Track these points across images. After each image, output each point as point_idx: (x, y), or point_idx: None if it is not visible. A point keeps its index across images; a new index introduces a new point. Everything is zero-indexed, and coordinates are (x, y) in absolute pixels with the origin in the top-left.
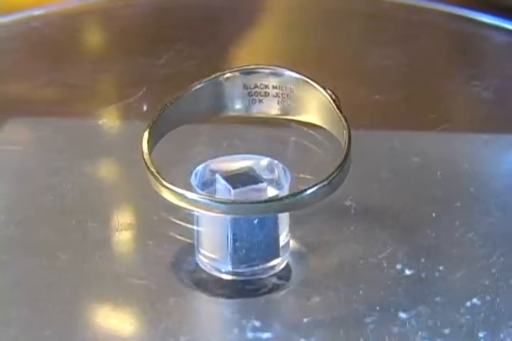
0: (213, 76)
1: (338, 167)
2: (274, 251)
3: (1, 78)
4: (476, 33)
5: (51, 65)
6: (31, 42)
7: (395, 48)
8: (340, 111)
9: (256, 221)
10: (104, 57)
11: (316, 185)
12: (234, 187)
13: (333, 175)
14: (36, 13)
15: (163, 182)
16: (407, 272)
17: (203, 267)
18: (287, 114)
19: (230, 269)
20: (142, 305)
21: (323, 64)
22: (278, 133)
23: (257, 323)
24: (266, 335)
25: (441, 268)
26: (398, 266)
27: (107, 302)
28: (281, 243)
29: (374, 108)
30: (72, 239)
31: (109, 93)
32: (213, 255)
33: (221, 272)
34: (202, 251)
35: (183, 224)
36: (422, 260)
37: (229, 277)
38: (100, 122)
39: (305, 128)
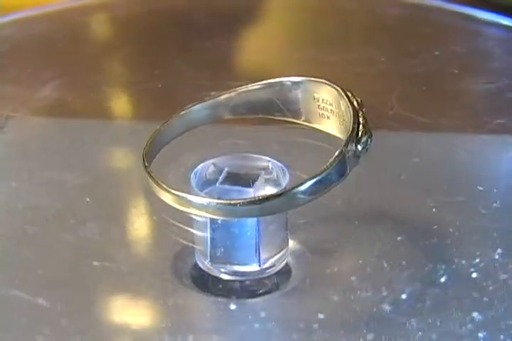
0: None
1: (327, 166)
2: (252, 256)
3: (2, 78)
4: (476, 30)
5: (52, 65)
6: (32, 41)
7: (394, 47)
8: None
9: (235, 223)
10: (106, 56)
11: (302, 184)
12: (221, 184)
13: (319, 175)
14: (36, 12)
15: (158, 181)
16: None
17: (203, 267)
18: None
19: (209, 266)
20: (142, 304)
21: (323, 63)
22: (280, 132)
23: (257, 323)
24: (265, 335)
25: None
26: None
27: (106, 303)
28: (278, 247)
29: (373, 108)
30: (72, 238)
31: (113, 93)
32: (201, 251)
33: (220, 272)
34: (197, 249)
35: (183, 224)
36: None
37: (228, 277)
38: (101, 122)
39: (309, 129)
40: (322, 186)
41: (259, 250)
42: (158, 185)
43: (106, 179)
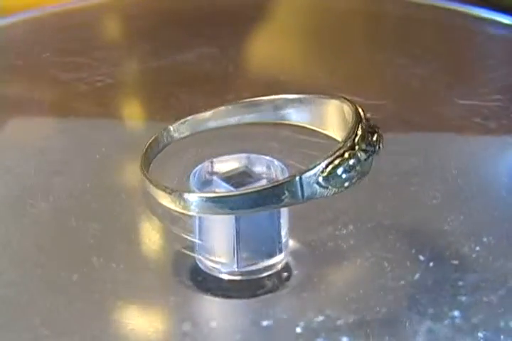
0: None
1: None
2: (231, 254)
3: (2, 78)
4: (474, 29)
5: (52, 65)
6: (32, 42)
7: (396, 48)
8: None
9: (214, 219)
10: (107, 58)
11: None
12: (217, 183)
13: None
14: (38, 14)
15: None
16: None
17: (203, 267)
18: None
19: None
20: (141, 304)
21: (324, 65)
22: (278, 132)
23: (257, 323)
24: (266, 335)
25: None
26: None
27: (106, 303)
28: (267, 252)
29: (373, 109)
30: (72, 239)
31: (113, 93)
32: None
33: (221, 272)
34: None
35: (182, 224)
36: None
37: (229, 277)
38: (102, 122)
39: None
40: (261, 202)
41: (237, 250)
42: (146, 178)
43: (106, 179)
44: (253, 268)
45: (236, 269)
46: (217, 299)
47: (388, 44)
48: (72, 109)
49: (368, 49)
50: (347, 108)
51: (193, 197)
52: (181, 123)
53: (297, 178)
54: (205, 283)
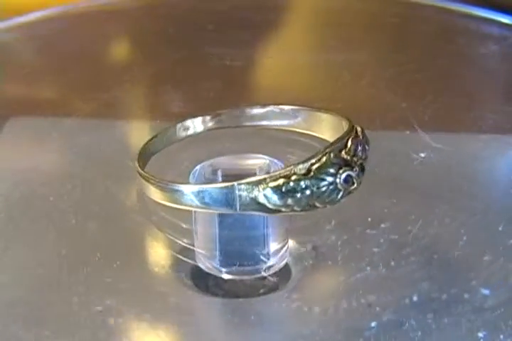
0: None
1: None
2: (213, 247)
3: (2, 78)
4: (473, 28)
5: (52, 66)
6: (32, 43)
7: (397, 47)
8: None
9: (206, 218)
10: (108, 57)
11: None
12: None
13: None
14: (38, 15)
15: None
16: None
17: (203, 267)
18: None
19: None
20: (142, 304)
21: (334, 65)
22: (278, 132)
23: (257, 323)
24: (266, 335)
25: None
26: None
27: (106, 303)
28: (257, 255)
29: (373, 109)
30: (71, 238)
31: (112, 94)
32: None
33: (221, 272)
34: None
35: (183, 223)
36: None
37: (229, 277)
38: (102, 123)
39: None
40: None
41: (219, 250)
42: (138, 170)
43: (105, 179)
44: (242, 269)
45: (220, 269)
46: (217, 299)
47: (389, 45)
48: (71, 110)
49: (372, 50)
50: (345, 125)
51: (178, 188)
52: (182, 124)
53: (230, 186)
54: (205, 283)
